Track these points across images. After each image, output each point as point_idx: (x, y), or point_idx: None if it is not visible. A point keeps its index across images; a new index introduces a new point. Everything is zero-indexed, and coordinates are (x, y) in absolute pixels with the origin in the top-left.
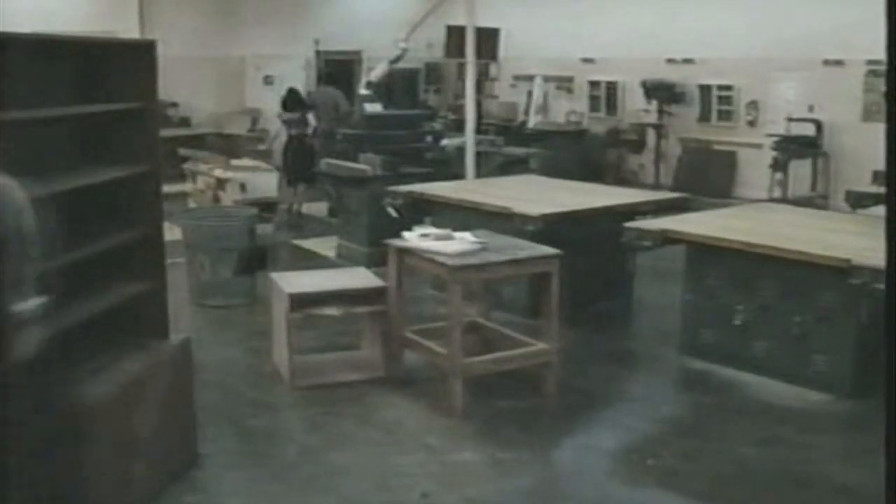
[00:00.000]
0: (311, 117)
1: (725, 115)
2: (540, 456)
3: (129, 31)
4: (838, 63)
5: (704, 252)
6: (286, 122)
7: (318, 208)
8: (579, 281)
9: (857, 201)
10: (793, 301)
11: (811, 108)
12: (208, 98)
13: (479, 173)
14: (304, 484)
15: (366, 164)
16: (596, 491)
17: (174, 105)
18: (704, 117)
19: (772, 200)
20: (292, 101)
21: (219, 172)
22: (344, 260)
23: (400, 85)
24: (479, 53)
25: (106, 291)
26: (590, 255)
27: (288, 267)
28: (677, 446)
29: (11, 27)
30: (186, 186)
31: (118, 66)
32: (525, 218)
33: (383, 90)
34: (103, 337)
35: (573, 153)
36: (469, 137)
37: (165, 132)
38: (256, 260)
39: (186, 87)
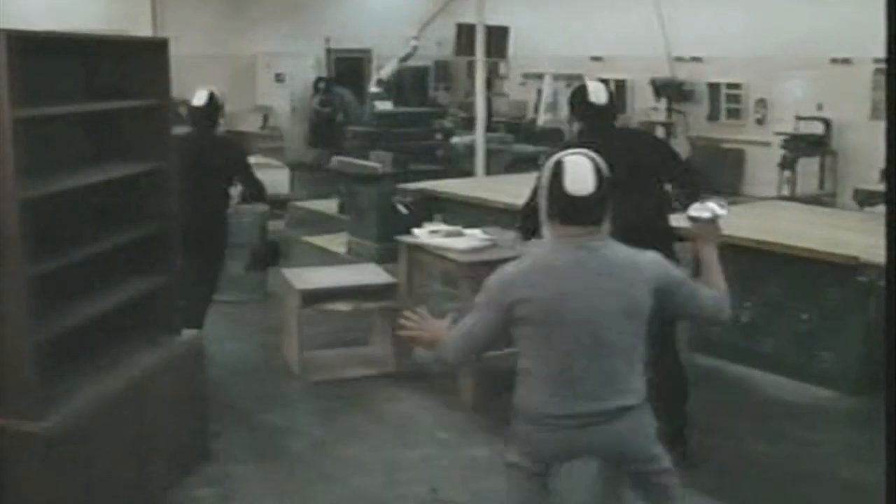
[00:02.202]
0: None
1: (734, 114)
2: None
3: (142, 29)
4: (846, 61)
5: None
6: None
7: (329, 205)
8: None
9: (865, 199)
10: (800, 298)
11: (819, 107)
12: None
13: (489, 171)
14: (315, 478)
15: (376, 162)
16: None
17: (186, 102)
18: (713, 115)
19: (780, 198)
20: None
21: None
22: (354, 256)
23: (410, 83)
24: (489, 51)
25: (120, 287)
26: None
27: (299, 263)
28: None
29: (26, 25)
30: None
31: (132, 63)
32: None
33: (393, 88)
34: (117, 332)
35: None
36: (479, 135)
37: (178, 129)
38: (269, 256)
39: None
